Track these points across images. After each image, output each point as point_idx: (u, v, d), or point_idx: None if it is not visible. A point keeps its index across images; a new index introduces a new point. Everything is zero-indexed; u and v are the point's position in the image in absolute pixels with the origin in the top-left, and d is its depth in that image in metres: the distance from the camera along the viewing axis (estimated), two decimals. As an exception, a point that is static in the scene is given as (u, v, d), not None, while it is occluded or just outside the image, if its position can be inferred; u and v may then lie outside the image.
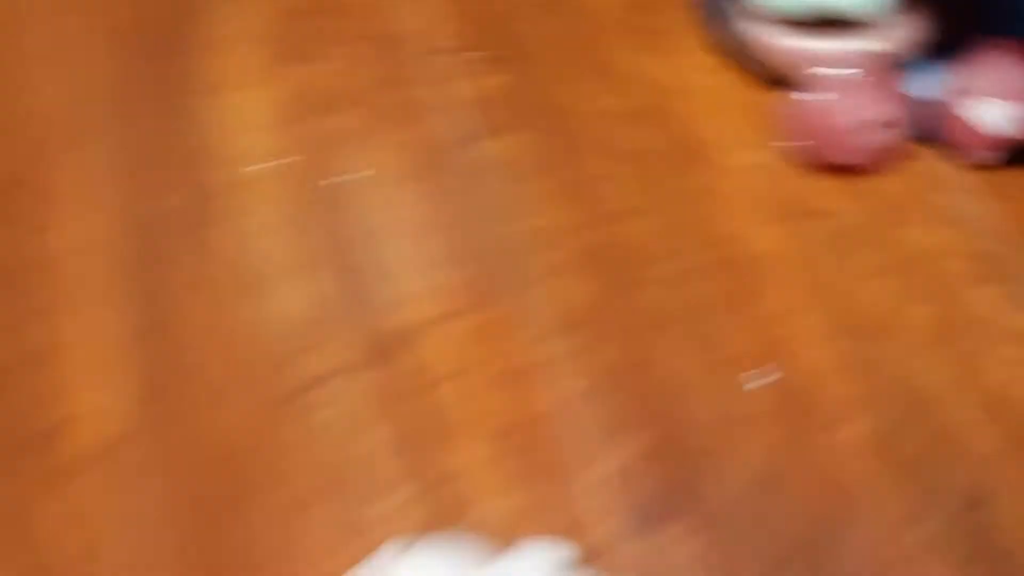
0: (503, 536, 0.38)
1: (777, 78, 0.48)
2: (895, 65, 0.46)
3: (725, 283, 0.44)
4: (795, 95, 0.45)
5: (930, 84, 0.46)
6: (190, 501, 0.41)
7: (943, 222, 0.44)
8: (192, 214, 0.50)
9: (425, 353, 0.44)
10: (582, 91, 0.52)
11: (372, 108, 0.54)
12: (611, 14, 0.55)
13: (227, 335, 0.46)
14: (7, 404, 0.43)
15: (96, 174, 0.53)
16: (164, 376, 0.45)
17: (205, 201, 0.50)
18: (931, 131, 0.46)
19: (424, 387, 0.43)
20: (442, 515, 0.39)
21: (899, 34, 0.46)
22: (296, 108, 0.54)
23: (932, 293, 0.42)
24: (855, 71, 0.44)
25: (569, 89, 0.53)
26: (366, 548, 0.39)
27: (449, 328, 0.45)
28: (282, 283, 0.47)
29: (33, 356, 0.45)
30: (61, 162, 0.53)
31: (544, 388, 0.43)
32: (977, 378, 0.40)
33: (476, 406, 0.43)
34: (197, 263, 0.48)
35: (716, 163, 0.48)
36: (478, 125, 0.52)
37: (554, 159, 0.50)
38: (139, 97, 0.55)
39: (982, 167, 0.45)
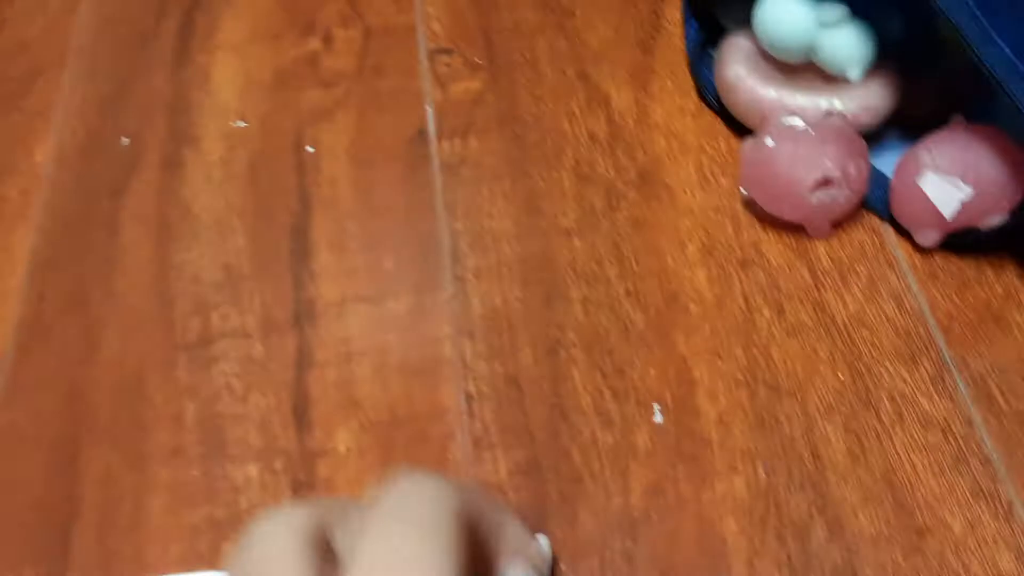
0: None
1: (749, 128, 0.48)
2: (860, 129, 0.45)
3: (647, 315, 0.44)
4: (758, 141, 0.45)
5: (890, 156, 0.45)
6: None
7: (875, 294, 0.44)
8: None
9: (331, 330, 0.45)
10: (558, 109, 0.52)
11: (350, 90, 0.55)
12: (605, 43, 0.55)
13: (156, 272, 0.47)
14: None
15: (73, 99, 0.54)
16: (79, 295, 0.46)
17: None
18: (884, 204, 0.45)
19: (322, 363, 0.44)
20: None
21: (872, 99, 0.45)
22: (282, 78, 0.56)
23: (850, 362, 0.42)
24: (820, 127, 0.44)
25: (546, 104, 0.53)
26: (219, 507, 0.39)
27: (360, 309, 0.46)
28: (214, 233, 0.48)
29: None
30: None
31: (443, 384, 0.43)
32: (873, 455, 0.39)
33: (372, 391, 0.43)
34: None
35: (669, 200, 0.48)
36: (449, 123, 0.52)
37: (514, 168, 0.50)
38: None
39: (924, 247, 0.44)
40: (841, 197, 0.44)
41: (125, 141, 0.53)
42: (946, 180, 0.42)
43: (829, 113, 0.45)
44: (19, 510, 0.40)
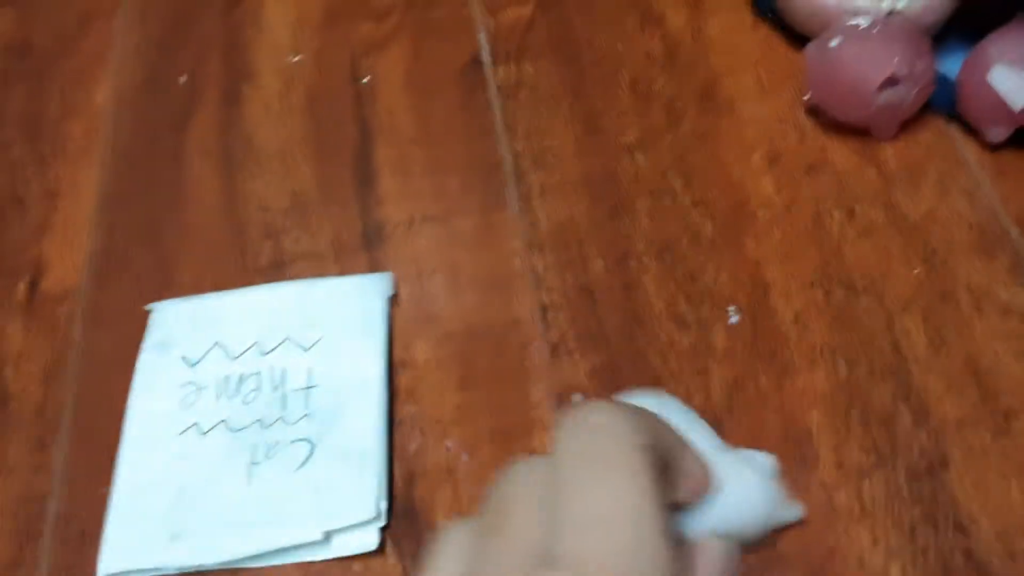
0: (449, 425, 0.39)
1: (808, 37, 0.48)
2: (926, 30, 0.45)
3: (716, 223, 0.44)
4: (823, 42, 0.44)
5: (955, 56, 0.45)
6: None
7: (947, 192, 0.43)
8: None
9: (401, 249, 0.45)
10: (612, 31, 0.52)
11: (401, 22, 0.55)
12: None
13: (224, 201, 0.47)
14: None
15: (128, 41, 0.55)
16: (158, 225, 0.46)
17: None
18: (950, 103, 0.45)
19: (395, 280, 0.44)
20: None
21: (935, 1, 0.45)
22: (332, 14, 0.56)
23: (925, 257, 0.42)
24: (885, 26, 0.43)
25: (599, 27, 0.53)
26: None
27: (428, 229, 0.46)
28: (277, 163, 0.49)
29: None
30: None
31: (517, 296, 0.43)
32: (954, 345, 0.39)
33: (447, 305, 0.43)
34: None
35: (731, 112, 0.48)
36: (503, 49, 0.52)
37: (571, 89, 0.50)
38: None
39: (994, 144, 0.44)
40: (908, 96, 0.44)
41: (182, 79, 0.53)
42: (1015, 73, 0.42)
43: (892, 12, 0.45)
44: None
